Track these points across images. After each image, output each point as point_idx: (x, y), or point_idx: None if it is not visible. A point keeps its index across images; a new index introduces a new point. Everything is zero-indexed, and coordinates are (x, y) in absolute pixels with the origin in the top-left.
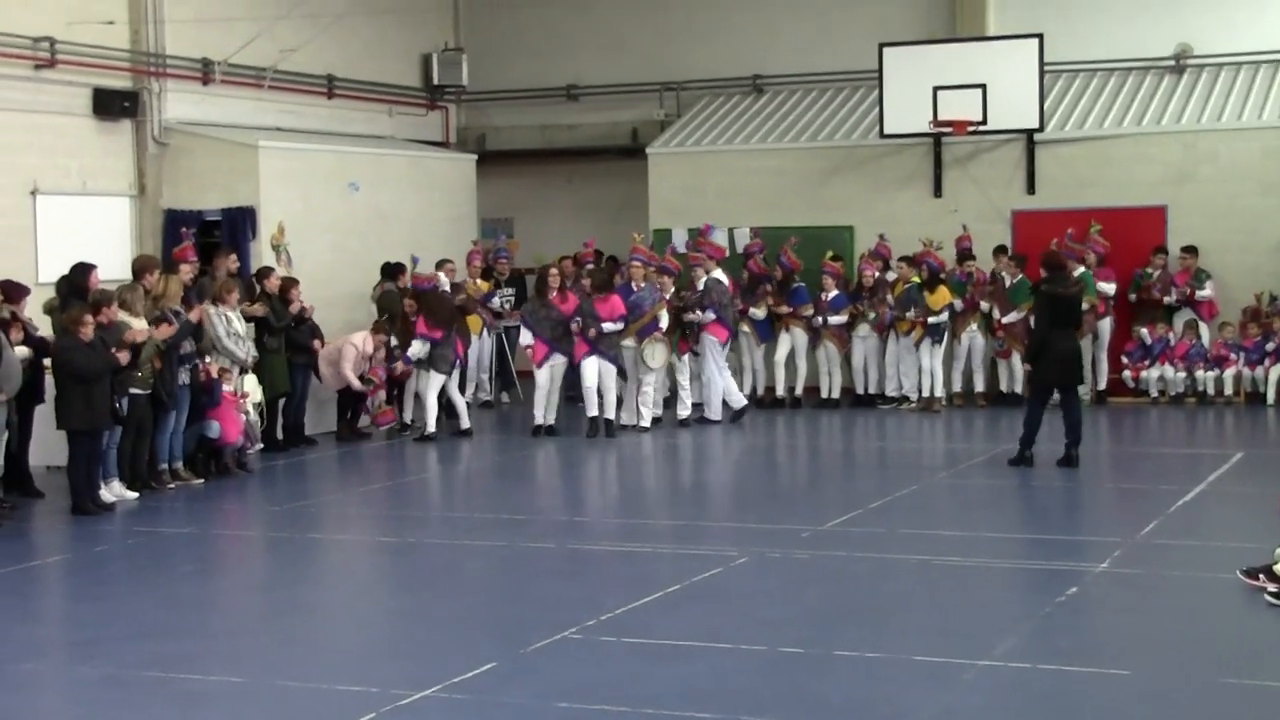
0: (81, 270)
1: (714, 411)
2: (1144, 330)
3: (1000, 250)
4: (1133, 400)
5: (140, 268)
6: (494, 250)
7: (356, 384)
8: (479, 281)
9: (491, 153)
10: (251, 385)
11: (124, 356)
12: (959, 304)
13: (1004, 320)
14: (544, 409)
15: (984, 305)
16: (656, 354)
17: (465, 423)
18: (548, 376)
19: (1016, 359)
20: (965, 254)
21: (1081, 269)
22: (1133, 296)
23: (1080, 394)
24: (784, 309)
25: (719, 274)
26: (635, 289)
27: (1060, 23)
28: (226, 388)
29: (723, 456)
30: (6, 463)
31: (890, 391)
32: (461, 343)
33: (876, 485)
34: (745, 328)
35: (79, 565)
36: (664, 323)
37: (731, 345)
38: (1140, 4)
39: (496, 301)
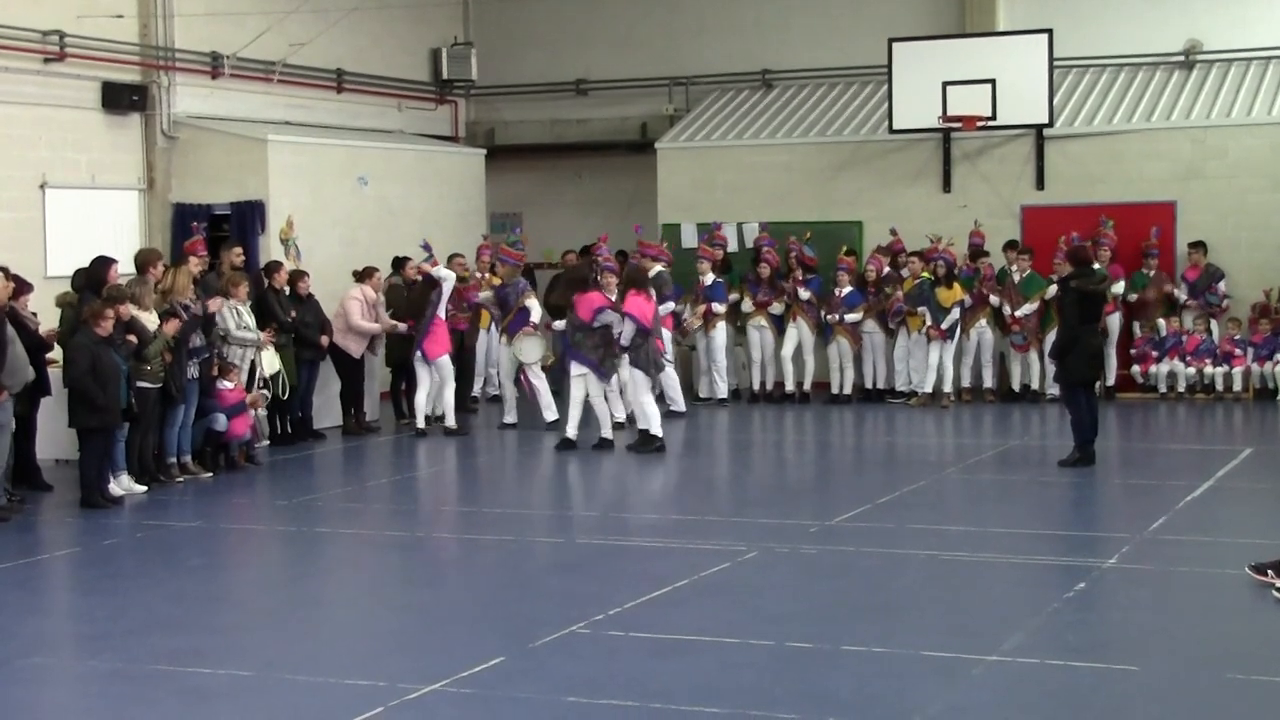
0: (102, 263)
1: (679, 404)
2: (1161, 321)
3: (1010, 245)
4: (1141, 396)
5: (143, 261)
6: (510, 244)
7: (376, 327)
8: (488, 276)
9: (500, 147)
10: (269, 358)
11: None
12: (968, 300)
13: (1017, 314)
14: (577, 423)
15: (994, 300)
16: (529, 349)
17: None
18: (581, 388)
19: (1034, 354)
20: (977, 250)
21: (1097, 265)
22: (1132, 296)
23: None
24: (797, 303)
25: (663, 268)
26: (504, 284)
27: (1070, 18)
28: (230, 384)
29: (730, 451)
30: (14, 456)
31: (900, 386)
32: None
33: (885, 480)
34: (763, 321)
35: (87, 559)
36: (535, 316)
37: (739, 340)
38: (1150, 0)
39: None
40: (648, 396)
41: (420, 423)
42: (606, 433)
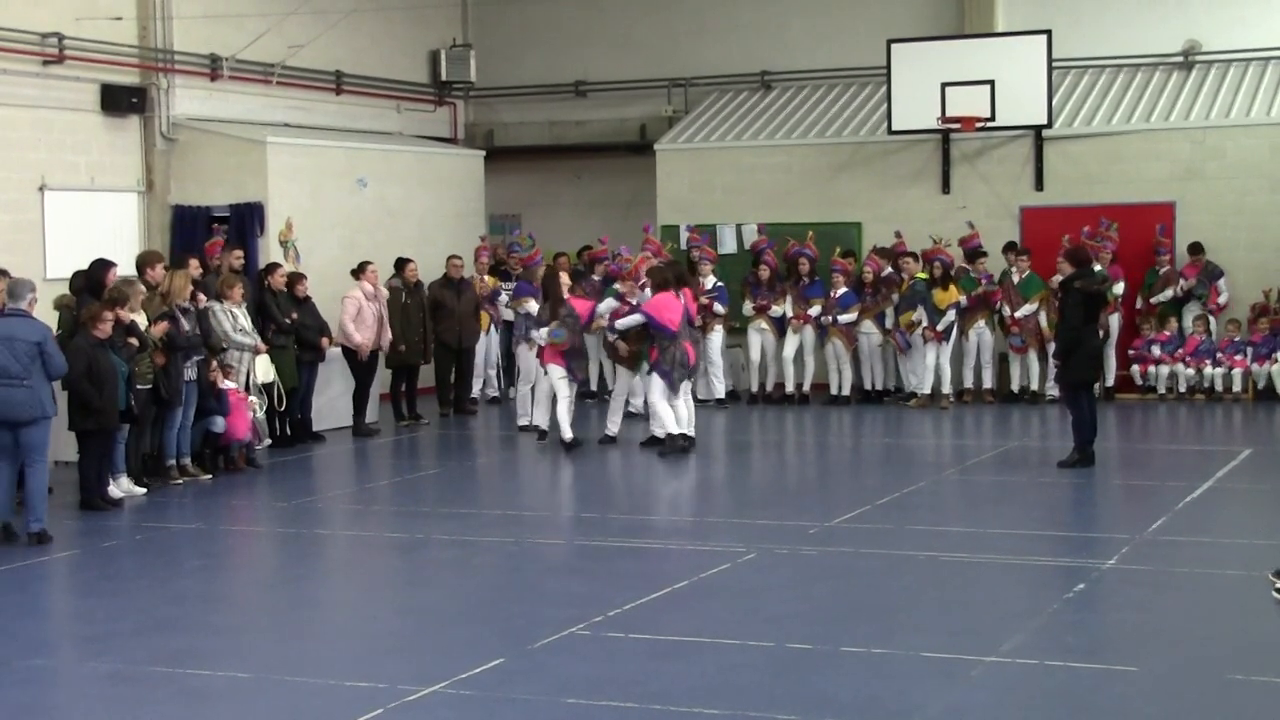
0: (101, 266)
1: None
2: (1172, 319)
3: (1010, 247)
4: (1140, 396)
5: (142, 262)
6: (507, 245)
7: (357, 338)
8: (487, 278)
9: (499, 149)
10: (264, 366)
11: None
12: (964, 300)
13: (1017, 315)
14: (672, 421)
15: (1004, 308)
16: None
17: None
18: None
19: (1033, 356)
20: (975, 252)
21: (1098, 266)
22: (1138, 304)
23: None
24: (800, 308)
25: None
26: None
27: (1068, 19)
28: (231, 384)
29: (729, 453)
30: None
31: (909, 387)
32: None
33: (884, 481)
34: (763, 324)
35: (87, 561)
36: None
37: (738, 341)
38: (1148, 0)
39: (504, 297)
40: (662, 399)
41: (567, 434)
42: (671, 430)
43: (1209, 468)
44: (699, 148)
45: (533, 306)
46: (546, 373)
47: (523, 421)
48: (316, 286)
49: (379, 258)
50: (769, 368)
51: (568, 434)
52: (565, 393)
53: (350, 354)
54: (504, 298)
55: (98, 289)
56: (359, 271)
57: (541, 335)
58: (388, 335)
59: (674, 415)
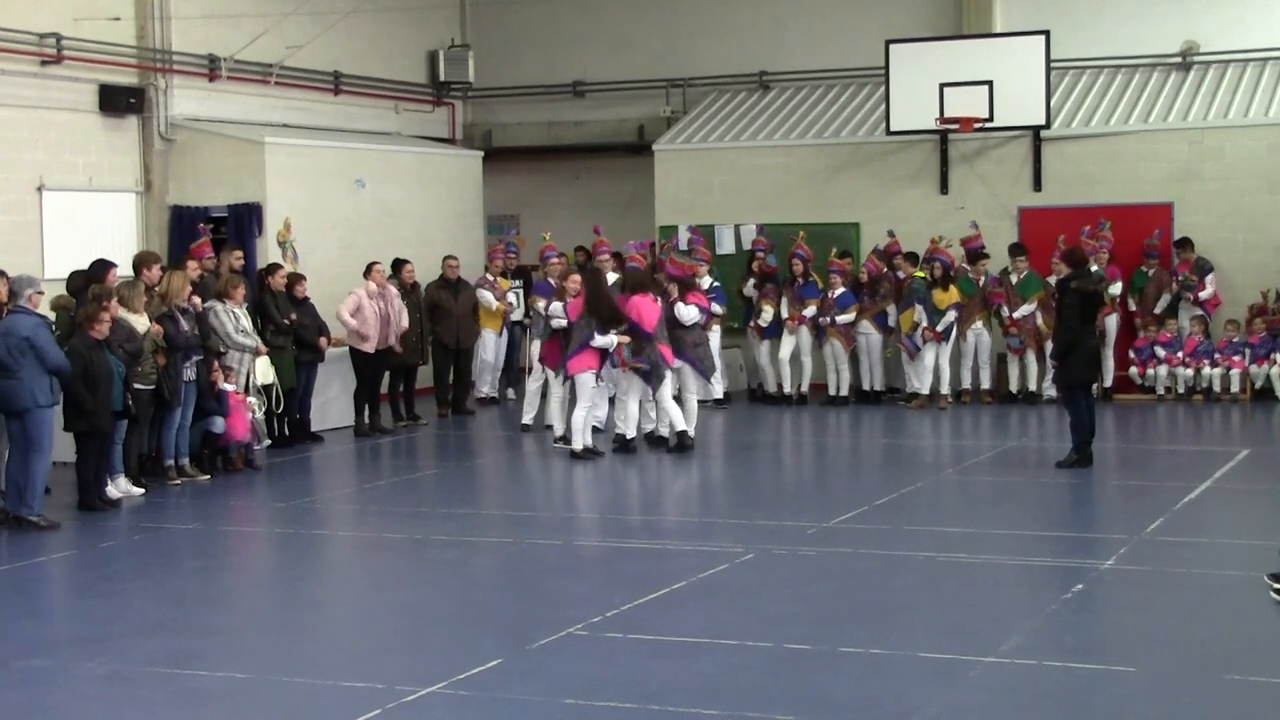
0: (102, 267)
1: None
2: (1171, 320)
3: (1016, 249)
4: (1138, 397)
5: (140, 263)
6: (504, 244)
7: (351, 323)
8: (500, 280)
9: (498, 149)
10: (264, 367)
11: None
12: (963, 302)
13: (1015, 315)
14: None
15: (1003, 309)
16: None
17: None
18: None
19: (1031, 356)
20: (977, 253)
21: (1095, 266)
22: (1132, 304)
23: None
24: (796, 309)
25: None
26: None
27: (1067, 19)
28: (231, 387)
29: (727, 453)
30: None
31: (910, 388)
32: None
33: (882, 482)
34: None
35: (85, 561)
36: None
37: (736, 342)
38: (1147, 1)
39: (509, 297)
40: (665, 392)
41: (578, 443)
42: (682, 426)
43: (1207, 468)
44: (697, 148)
45: (555, 308)
46: (569, 378)
47: (527, 419)
48: (315, 287)
49: (377, 258)
50: (766, 369)
51: (579, 444)
52: (588, 401)
53: (356, 354)
54: (509, 296)
55: None
56: (366, 272)
57: (608, 342)
58: (402, 327)
59: (680, 413)
